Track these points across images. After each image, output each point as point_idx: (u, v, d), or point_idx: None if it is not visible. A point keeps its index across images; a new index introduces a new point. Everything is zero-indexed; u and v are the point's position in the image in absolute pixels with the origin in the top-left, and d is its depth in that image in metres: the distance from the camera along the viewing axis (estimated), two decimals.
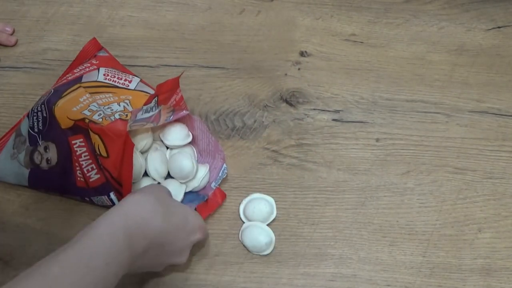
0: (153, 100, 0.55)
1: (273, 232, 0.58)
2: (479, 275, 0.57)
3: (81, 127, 0.55)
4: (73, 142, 0.56)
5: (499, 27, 0.74)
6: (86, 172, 0.56)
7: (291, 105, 0.67)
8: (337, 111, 0.67)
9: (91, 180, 0.56)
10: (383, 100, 0.68)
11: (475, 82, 0.69)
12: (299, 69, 0.70)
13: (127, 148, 0.53)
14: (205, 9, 0.75)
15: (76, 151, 0.56)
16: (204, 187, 0.61)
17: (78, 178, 0.57)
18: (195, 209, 0.59)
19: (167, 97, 0.57)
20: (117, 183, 0.55)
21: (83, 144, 0.55)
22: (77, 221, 0.59)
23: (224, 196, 0.60)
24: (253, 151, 0.64)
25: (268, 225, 0.59)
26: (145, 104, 0.54)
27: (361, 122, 0.66)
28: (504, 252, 0.58)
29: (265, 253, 0.57)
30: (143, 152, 0.60)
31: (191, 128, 0.62)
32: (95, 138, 0.54)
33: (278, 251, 0.58)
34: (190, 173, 0.59)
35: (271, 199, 0.60)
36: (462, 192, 0.61)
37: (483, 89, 0.68)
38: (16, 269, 0.56)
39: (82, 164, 0.56)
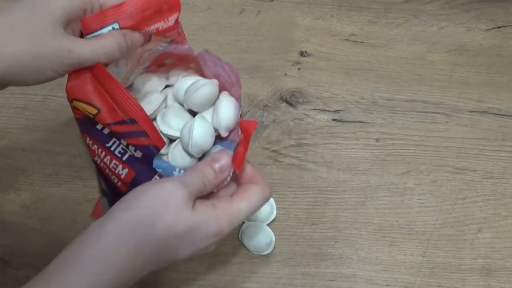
0: (108, 28, 0.45)
1: (273, 232, 0.58)
2: (479, 275, 0.57)
3: (78, 119, 0.47)
4: (87, 143, 0.48)
5: (499, 27, 0.74)
6: (113, 169, 0.47)
7: (291, 105, 0.67)
8: (337, 111, 0.67)
9: (122, 177, 0.47)
10: (383, 100, 0.68)
11: (475, 82, 0.69)
12: (299, 69, 0.70)
13: (104, 77, 0.44)
14: (205, 9, 0.75)
15: (94, 150, 0.48)
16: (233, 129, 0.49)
17: (118, 184, 0.48)
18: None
19: (139, 22, 0.45)
20: (131, 122, 0.45)
21: (92, 141, 0.47)
22: (77, 221, 0.59)
23: (255, 123, 0.47)
24: (253, 151, 0.64)
25: (268, 225, 0.59)
26: (88, 31, 0.43)
27: (361, 122, 0.66)
28: (504, 252, 0.58)
29: (265, 253, 0.58)
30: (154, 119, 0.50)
31: (206, 69, 0.50)
32: (79, 106, 0.45)
33: (278, 251, 0.58)
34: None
35: (271, 199, 0.60)
36: (462, 192, 0.62)
37: (483, 89, 0.68)
38: (16, 269, 0.56)
39: (106, 163, 0.48)
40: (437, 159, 0.64)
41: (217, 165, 0.44)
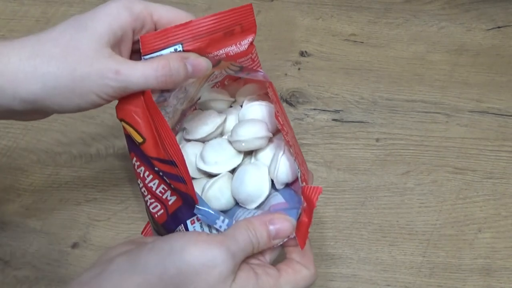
0: (170, 49, 0.39)
1: None
2: (479, 275, 0.57)
3: (127, 136, 0.42)
4: (133, 163, 0.43)
5: (499, 27, 0.74)
6: (161, 194, 0.43)
7: (291, 105, 0.67)
8: (337, 111, 0.67)
9: (170, 203, 0.43)
10: (383, 100, 0.68)
11: (475, 82, 0.69)
12: (299, 69, 0.70)
13: (151, 108, 0.39)
14: (205, 9, 0.75)
15: (139, 173, 0.42)
16: (294, 182, 0.45)
17: (158, 214, 0.43)
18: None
19: (207, 44, 0.39)
20: (173, 165, 0.40)
21: (139, 162, 0.42)
22: (77, 221, 0.59)
23: (319, 190, 0.41)
24: None
25: None
26: (147, 52, 0.39)
27: (361, 122, 0.66)
28: (504, 252, 0.58)
29: None
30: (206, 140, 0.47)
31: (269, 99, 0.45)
32: (127, 128, 0.41)
33: None
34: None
35: None
36: (462, 192, 0.61)
37: (483, 89, 0.68)
38: (16, 269, 0.56)
39: (152, 187, 0.42)
40: (437, 159, 0.64)
41: (273, 229, 0.39)
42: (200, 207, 0.41)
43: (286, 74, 0.69)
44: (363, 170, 0.63)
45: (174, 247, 0.36)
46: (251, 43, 0.42)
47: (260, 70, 0.44)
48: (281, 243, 0.40)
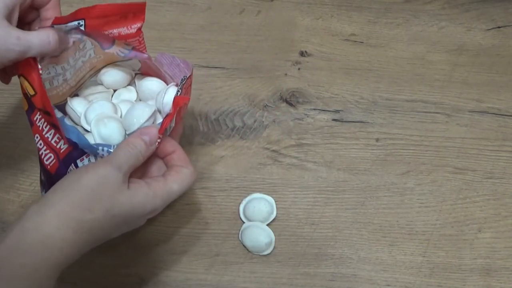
0: (74, 23, 0.49)
1: (273, 232, 0.58)
2: (479, 275, 0.57)
3: (24, 94, 0.50)
4: (34, 118, 0.50)
5: (499, 27, 0.74)
6: (55, 144, 0.50)
7: (291, 105, 0.67)
8: (337, 111, 0.67)
9: (61, 151, 0.50)
10: (383, 100, 0.68)
11: (475, 82, 0.69)
12: (299, 69, 0.70)
13: (36, 69, 0.47)
14: (205, 9, 0.75)
15: (39, 126, 0.50)
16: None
17: (50, 165, 0.51)
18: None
19: (104, 23, 0.50)
20: (49, 114, 0.48)
21: (40, 116, 0.50)
22: None
23: (186, 98, 0.51)
24: (253, 151, 0.64)
25: (268, 225, 0.59)
26: (56, 23, 0.48)
27: (361, 122, 0.66)
28: (504, 252, 0.58)
29: (265, 253, 0.58)
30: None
31: (163, 71, 0.54)
32: (24, 83, 0.49)
33: (278, 251, 0.58)
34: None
35: (271, 199, 0.60)
36: (462, 192, 0.61)
37: (483, 89, 0.69)
38: None
39: (48, 138, 0.50)
40: (437, 159, 0.64)
41: (147, 138, 0.47)
42: (82, 141, 0.49)
43: (286, 74, 0.70)
44: (363, 170, 0.63)
45: (72, 179, 0.44)
46: (139, 29, 0.52)
47: (146, 52, 0.53)
48: (155, 146, 0.48)
